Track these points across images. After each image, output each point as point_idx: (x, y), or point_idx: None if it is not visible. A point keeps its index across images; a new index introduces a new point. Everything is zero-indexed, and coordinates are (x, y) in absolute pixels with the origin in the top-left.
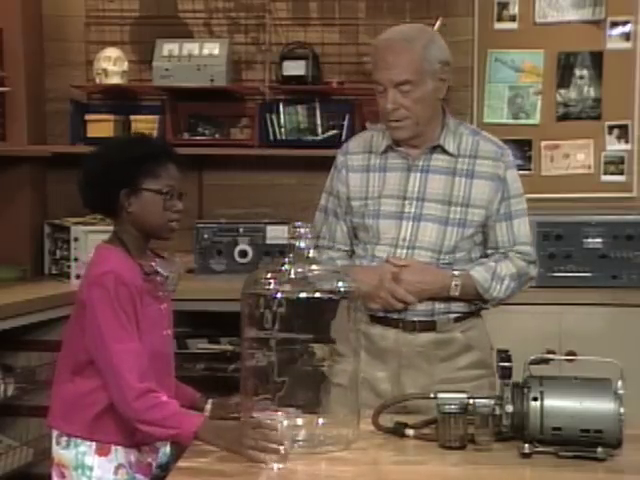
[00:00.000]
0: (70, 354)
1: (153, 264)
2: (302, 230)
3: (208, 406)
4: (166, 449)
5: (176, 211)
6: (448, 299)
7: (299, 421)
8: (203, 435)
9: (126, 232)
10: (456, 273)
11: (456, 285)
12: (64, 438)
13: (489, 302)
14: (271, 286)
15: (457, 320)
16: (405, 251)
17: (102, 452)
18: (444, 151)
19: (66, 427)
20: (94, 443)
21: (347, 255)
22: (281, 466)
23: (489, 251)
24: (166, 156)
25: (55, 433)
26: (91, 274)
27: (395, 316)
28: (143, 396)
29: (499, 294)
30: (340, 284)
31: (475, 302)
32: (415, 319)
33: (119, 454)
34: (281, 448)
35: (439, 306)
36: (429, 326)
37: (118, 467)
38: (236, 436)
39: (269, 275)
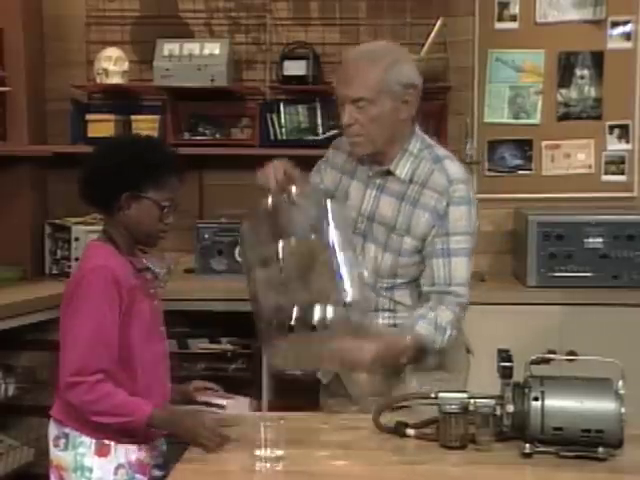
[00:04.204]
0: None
1: (144, 261)
2: None
3: None
4: (163, 448)
5: (167, 224)
6: (409, 310)
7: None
8: (157, 422)
9: (116, 231)
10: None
11: (407, 356)
12: (62, 440)
13: (430, 352)
14: None
15: None
16: None
17: (101, 453)
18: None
19: (67, 421)
20: (93, 442)
21: None
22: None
23: (425, 288)
24: (173, 166)
25: (52, 435)
26: (83, 267)
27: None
28: (92, 388)
29: (442, 344)
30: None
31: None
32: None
33: (119, 454)
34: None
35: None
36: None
37: (118, 467)
38: (189, 426)
39: None
